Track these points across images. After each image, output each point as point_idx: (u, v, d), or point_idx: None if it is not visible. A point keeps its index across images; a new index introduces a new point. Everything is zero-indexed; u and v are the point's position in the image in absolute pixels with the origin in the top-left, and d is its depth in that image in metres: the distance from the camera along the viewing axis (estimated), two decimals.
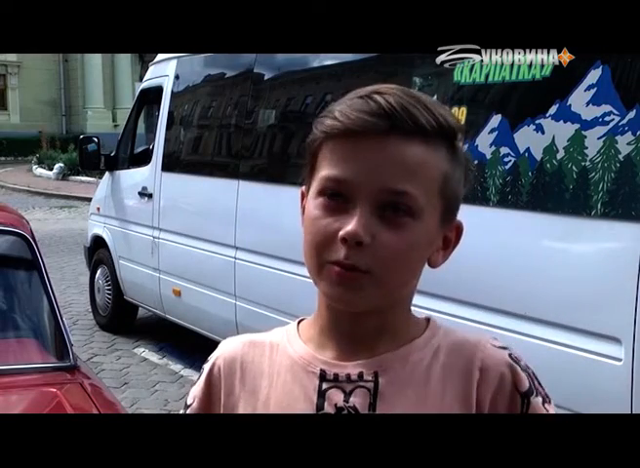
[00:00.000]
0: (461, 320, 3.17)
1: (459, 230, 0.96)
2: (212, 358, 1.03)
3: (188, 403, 1.03)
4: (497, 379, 0.91)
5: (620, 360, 2.64)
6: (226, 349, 1.03)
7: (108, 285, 6.73)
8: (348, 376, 0.93)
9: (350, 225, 0.86)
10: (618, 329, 2.66)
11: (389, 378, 0.92)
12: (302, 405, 0.93)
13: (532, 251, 3.02)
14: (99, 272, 6.92)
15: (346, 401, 0.92)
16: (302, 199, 0.97)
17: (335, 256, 0.87)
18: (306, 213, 0.92)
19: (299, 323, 1.02)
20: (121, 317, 6.73)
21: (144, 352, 6.18)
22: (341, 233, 0.86)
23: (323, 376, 0.94)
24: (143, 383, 5.46)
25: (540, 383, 0.95)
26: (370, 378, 0.92)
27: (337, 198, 0.88)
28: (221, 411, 0.99)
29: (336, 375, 0.93)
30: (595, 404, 2.66)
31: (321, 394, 0.93)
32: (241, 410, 0.97)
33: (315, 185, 0.91)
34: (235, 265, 4.84)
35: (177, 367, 5.81)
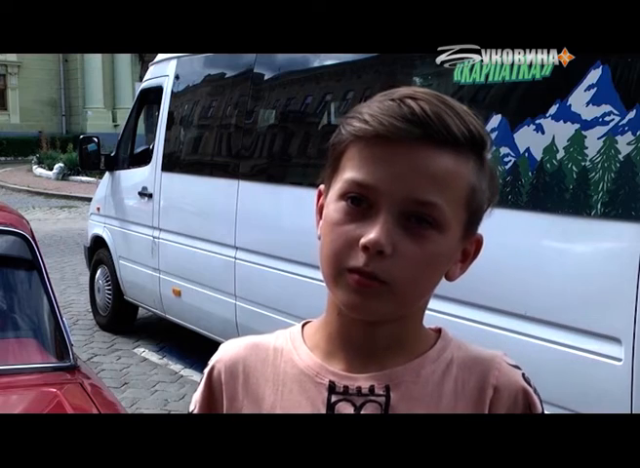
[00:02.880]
0: (462, 320, 3.17)
1: (478, 243, 0.93)
2: (212, 361, 1.00)
3: (190, 409, 1.00)
4: (511, 399, 0.90)
5: (620, 360, 2.64)
6: (227, 352, 0.99)
7: (108, 285, 6.73)
8: (359, 389, 0.90)
9: (373, 233, 0.82)
10: (618, 329, 2.66)
11: (401, 393, 0.90)
12: None
13: (532, 251, 3.02)
14: (99, 272, 6.92)
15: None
16: (319, 197, 0.93)
17: (354, 263, 0.84)
18: (326, 215, 0.88)
19: (303, 326, 0.98)
20: (121, 317, 6.73)
21: (144, 352, 6.18)
22: (363, 241, 0.83)
23: (332, 388, 0.91)
24: (143, 383, 5.46)
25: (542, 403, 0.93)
26: (381, 392, 0.89)
27: (359, 203, 0.85)
28: None
29: (346, 388, 0.90)
30: (595, 404, 2.66)
31: (330, 407, 0.90)
32: None
33: (338, 187, 0.87)
34: (235, 265, 4.84)
35: (177, 367, 5.81)
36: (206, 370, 1.00)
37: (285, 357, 0.95)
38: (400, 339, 0.92)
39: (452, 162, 0.84)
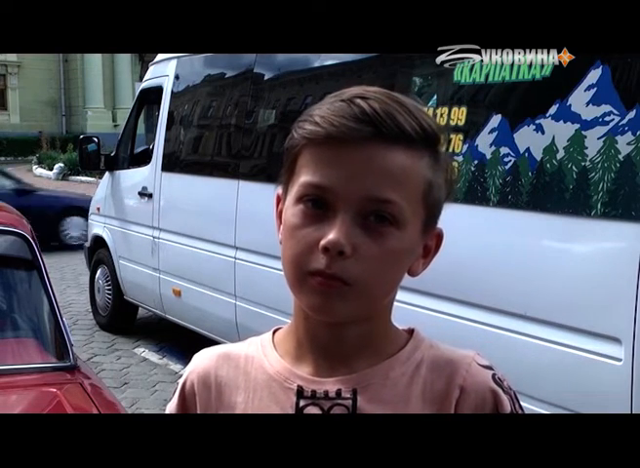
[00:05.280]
0: (462, 320, 3.17)
1: (439, 238, 0.93)
2: (185, 372, 1.00)
3: None
4: (479, 400, 0.89)
5: (620, 360, 2.64)
6: (199, 363, 0.99)
7: (108, 285, 6.74)
8: (326, 393, 0.90)
9: (331, 234, 0.82)
10: (618, 329, 2.66)
11: (369, 396, 0.89)
12: None
13: (532, 251, 3.02)
14: (99, 272, 6.92)
15: None
16: (278, 203, 0.94)
17: (315, 266, 0.84)
18: (285, 220, 0.89)
19: (274, 332, 0.99)
20: (121, 317, 6.73)
21: (144, 352, 6.18)
22: (323, 242, 0.83)
23: (300, 393, 0.91)
24: (143, 383, 5.46)
25: (520, 406, 0.92)
26: (348, 396, 0.89)
27: (317, 205, 0.85)
28: None
29: (313, 392, 0.90)
30: (595, 404, 2.66)
31: (298, 411, 0.91)
32: None
33: (294, 191, 0.87)
34: (235, 265, 4.84)
35: (177, 367, 5.81)
36: (180, 382, 1.00)
37: (255, 364, 0.95)
38: (368, 340, 0.91)
39: (406, 158, 0.85)
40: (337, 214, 0.84)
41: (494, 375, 0.91)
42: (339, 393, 0.90)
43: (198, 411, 0.97)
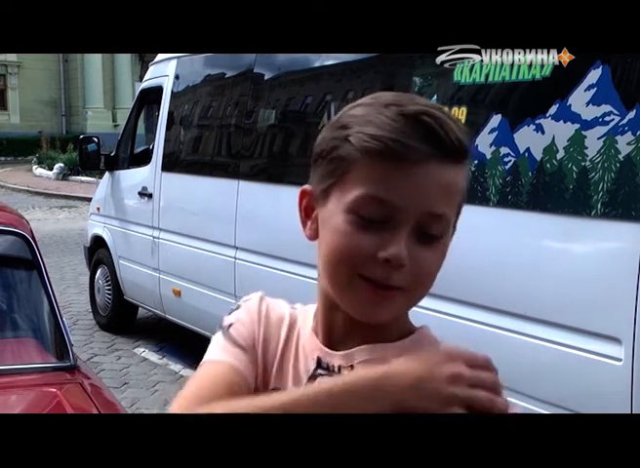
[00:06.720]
0: (462, 320, 3.17)
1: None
2: (257, 294, 1.04)
3: (225, 324, 1.04)
4: None
5: (620, 360, 2.64)
6: (270, 300, 1.04)
7: (108, 285, 6.74)
8: (333, 367, 0.96)
9: (394, 248, 0.86)
10: (618, 329, 2.66)
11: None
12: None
13: (532, 251, 3.02)
14: (99, 272, 6.93)
15: None
16: (303, 199, 0.95)
17: (371, 274, 0.87)
18: (333, 224, 0.90)
19: None
20: (121, 317, 6.74)
21: (144, 352, 6.18)
22: (385, 255, 0.86)
23: (319, 363, 0.97)
24: (143, 383, 5.46)
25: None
26: (347, 372, 0.94)
27: (375, 217, 0.87)
28: (259, 349, 1.00)
29: (326, 364, 0.96)
30: (595, 404, 2.66)
31: (311, 378, 0.97)
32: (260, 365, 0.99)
33: (347, 200, 0.88)
34: (235, 265, 4.84)
35: (177, 367, 5.81)
36: (255, 297, 1.04)
37: (295, 327, 1.01)
38: (379, 327, 0.95)
39: (455, 173, 0.89)
40: (397, 228, 0.87)
41: None
42: (339, 368, 0.96)
43: (261, 333, 1.01)
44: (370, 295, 0.88)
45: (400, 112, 0.87)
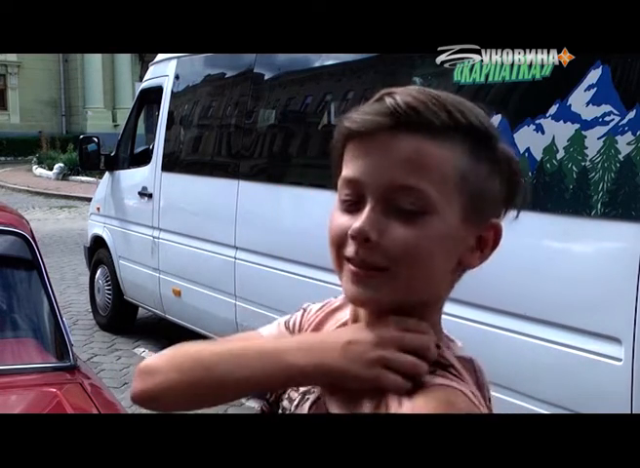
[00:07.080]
0: (462, 320, 3.17)
1: (496, 230, 0.96)
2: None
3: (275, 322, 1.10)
4: None
5: (620, 360, 2.64)
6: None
7: (108, 285, 6.74)
8: None
9: (357, 222, 0.87)
10: (618, 329, 2.66)
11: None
12: None
13: (532, 251, 3.02)
14: (99, 272, 6.92)
15: None
16: None
17: (348, 253, 0.88)
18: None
19: None
20: (121, 317, 6.73)
21: (144, 352, 6.18)
22: (349, 231, 0.87)
23: None
24: None
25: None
26: None
27: (352, 198, 0.89)
28: None
29: None
30: (595, 404, 2.66)
31: None
32: None
33: (338, 185, 0.93)
34: (235, 265, 4.84)
35: None
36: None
37: (334, 316, 1.04)
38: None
39: (430, 146, 0.87)
40: (365, 204, 0.88)
41: None
42: None
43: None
44: (350, 275, 0.89)
45: (375, 98, 0.91)
